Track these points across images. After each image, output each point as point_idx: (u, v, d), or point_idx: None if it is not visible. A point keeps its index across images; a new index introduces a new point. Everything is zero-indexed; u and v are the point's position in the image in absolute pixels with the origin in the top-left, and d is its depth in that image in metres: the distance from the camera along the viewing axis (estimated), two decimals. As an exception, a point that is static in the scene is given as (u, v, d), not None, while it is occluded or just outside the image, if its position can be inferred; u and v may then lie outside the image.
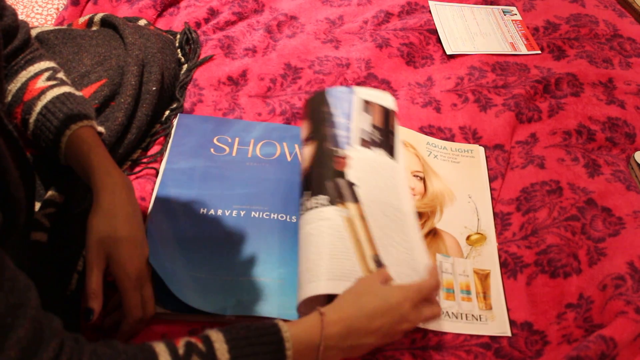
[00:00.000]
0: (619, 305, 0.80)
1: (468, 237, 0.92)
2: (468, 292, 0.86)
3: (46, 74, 0.81)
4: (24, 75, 0.80)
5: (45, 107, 0.78)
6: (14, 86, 0.80)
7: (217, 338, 0.61)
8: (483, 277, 0.87)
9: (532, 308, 0.85)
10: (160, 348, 0.59)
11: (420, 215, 0.93)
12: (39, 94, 0.79)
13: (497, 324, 0.83)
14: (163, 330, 0.78)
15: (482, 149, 1.05)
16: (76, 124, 0.78)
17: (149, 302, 0.74)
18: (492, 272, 0.88)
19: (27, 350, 0.49)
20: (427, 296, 0.73)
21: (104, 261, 0.71)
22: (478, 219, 0.94)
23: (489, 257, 0.90)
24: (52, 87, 0.80)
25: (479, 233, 0.92)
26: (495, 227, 0.95)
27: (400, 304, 0.70)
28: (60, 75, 0.83)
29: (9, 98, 0.80)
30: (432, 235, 0.91)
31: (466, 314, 0.83)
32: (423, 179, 0.98)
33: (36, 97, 0.79)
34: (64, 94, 0.80)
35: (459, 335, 0.82)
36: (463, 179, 1.00)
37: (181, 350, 0.59)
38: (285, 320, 0.66)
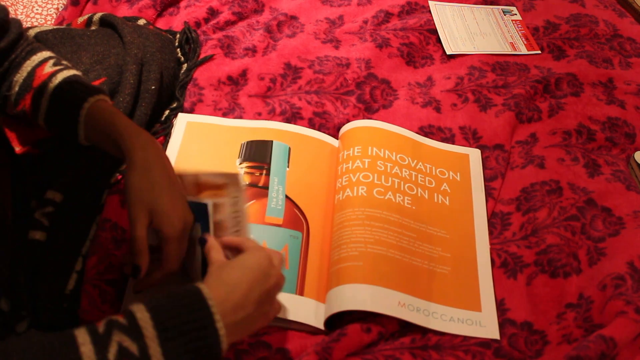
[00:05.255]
0: (619, 305, 0.80)
1: None
2: None
3: (51, 61, 0.81)
4: (28, 65, 0.80)
5: (58, 87, 0.78)
6: (19, 76, 0.79)
7: (139, 308, 0.58)
8: None
9: (532, 308, 0.85)
10: (79, 331, 0.56)
11: None
12: (49, 77, 0.79)
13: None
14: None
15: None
16: (93, 97, 0.77)
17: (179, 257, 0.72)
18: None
19: None
20: (276, 254, 0.71)
21: (148, 217, 0.70)
22: None
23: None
24: (60, 70, 0.80)
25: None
26: (495, 227, 0.95)
27: (260, 264, 0.66)
28: (65, 62, 0.83)
29: (16, 89, 0.79)
30: None
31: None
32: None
33: (47, 80, 0.78)
34: (74, 75, 0.80)
35: (457, 334, 0.81)
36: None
37: (101, 329, 0.56)
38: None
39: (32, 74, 0.79)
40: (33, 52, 0.82)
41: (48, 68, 0.80)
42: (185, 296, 0.60)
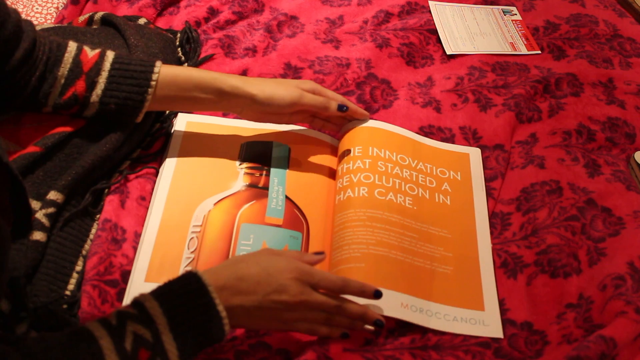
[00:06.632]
0: (619, 305, 0.80)
1: None
2: None
3: (86, 47, 0.83)
4: (68, 57, 0.81)
5: (115, 61, 0.82)
6: (63, 69, 0.81)
7: (146, 298, 0.62)
8: None
9: (532, 308, 0.85)
10: (93, 325, 0.59)
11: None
12: (99, 57, 0.82)
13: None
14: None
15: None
16: (158, 63, 0.83)
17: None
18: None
19: None
20: (314, 277, 0.71)
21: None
22: None
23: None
24: (104, 50, 0.83)
25: None
26: (495, 227, 0.95)
27: (279, 273, 0.68)
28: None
29: (62, 81, 0.81)
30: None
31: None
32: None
33: (98, 60, 0.82)
34: (119, 52, 0.84)
35: (457, 334, 0.82)
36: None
37: (114, 321, 0.59)
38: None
39: (77, 62, 0.81)
40: (64, 44, 0.82)
41: (90, 52, 0.82)
42: (188, 283, 0.64)
